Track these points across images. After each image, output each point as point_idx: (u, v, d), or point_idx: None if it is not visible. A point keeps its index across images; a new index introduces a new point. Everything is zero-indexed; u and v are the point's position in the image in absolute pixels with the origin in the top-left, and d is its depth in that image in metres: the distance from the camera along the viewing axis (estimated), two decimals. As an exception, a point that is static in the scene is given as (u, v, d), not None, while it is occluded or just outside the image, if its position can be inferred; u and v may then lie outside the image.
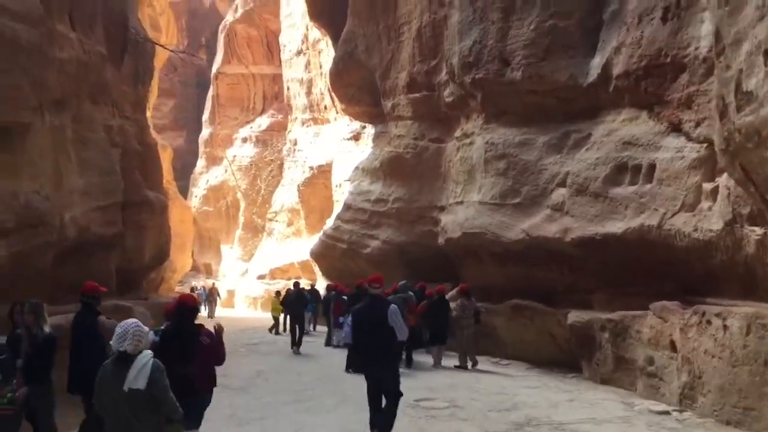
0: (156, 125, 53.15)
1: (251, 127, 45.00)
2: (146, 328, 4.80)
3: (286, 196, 37.58)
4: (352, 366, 7.58)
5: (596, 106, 12.53)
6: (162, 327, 6.52)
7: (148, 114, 31.53)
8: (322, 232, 25.72)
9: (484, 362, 13.94)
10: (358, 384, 10.89)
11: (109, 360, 4.68)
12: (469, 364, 13.13)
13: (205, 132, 48.10)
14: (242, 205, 43.51)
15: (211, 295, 31.55)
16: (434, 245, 17.77)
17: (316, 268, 27.40)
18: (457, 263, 16.37)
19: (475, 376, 11.96)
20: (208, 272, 46.12)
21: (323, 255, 24.99)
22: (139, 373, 4.46)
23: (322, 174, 31.52)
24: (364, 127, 27.38)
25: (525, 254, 13.33)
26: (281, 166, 40.34)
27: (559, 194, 12.59)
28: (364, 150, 25.95)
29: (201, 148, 48.60)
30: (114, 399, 4.48)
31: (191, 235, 34.66)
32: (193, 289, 32.18)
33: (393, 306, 7.41)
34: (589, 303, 12.19)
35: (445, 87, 17.06)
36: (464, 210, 15.64)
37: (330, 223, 25.01)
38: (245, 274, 39.46)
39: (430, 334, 13.95)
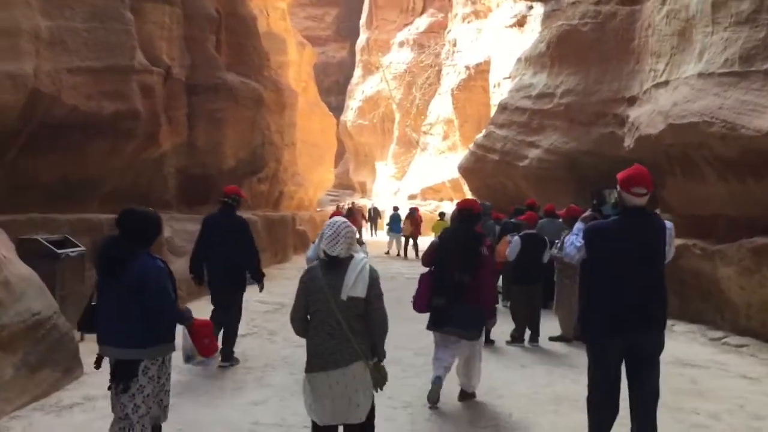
0: (318, 37, 50.30)
1: (409, 30, 40.45)
2: (355, 228, 3.92)
3: (441, 106, 33.19)
4: (584, 329, 4.06)
5: None
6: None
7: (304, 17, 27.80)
8: (472, 143, 20.69)
9: (696, 337, 8.49)
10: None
11: (316, 265, 3.89)
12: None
13: (362, 38, 44.27)
14: (396, 117, 39.46)
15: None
16: (618, 154, 12.35)
17: (466, 188, 22.54)
18: (654, 179, 10.64)
19: (691, 377, 6.53)
20: (363, 191, 43.27)
21: (472, 170, 19.94)
22: (358, 280, 3.75)
23: (479, 74, 26.49)
24: (531, 8, 21.69)
25: (786, 159, 7.54)
26: (439, 72, 35.86)
27: None
28: (528, 39, 20.38)
29: (357, 57, 44.90)
30: (327, 309, 3.76)
31: (333, 148, 31.13)
32: (350, 210, 28.67)
33: (669, 224, 4.26)
34: None
35: None
36: (671, 93, 9.90)
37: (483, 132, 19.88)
38: (397, 194, 35.70)
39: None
